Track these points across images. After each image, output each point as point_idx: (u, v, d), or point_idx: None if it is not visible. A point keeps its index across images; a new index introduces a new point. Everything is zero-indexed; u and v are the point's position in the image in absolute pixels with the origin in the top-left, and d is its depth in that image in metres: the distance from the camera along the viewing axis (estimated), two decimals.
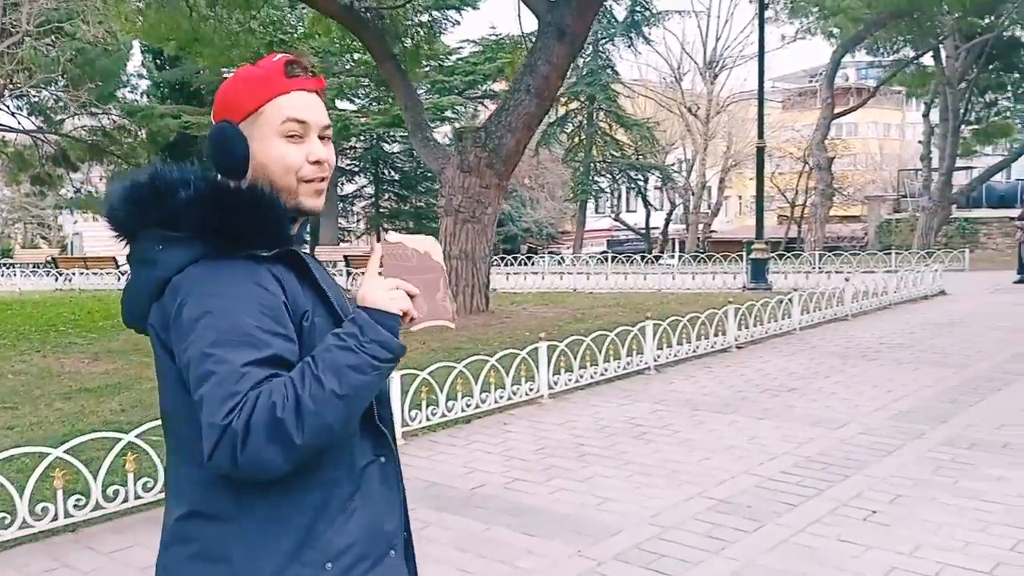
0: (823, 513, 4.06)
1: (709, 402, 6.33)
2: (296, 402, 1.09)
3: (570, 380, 6.70)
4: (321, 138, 1.29)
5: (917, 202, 24.74)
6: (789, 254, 18.77)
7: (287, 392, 1.09)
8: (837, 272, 13.63)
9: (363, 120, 22.88)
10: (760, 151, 14.05)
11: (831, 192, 22.35)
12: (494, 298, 13.01)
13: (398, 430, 5.29)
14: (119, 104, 31.48)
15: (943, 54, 22.67)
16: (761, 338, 8.87)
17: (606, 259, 21.86)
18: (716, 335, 8.32)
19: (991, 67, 25.01)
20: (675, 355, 7.75)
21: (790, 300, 9.36)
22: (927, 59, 24.37)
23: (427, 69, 24.65)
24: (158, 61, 32.15)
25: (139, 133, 32.91)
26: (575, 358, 6.75)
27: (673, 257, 24.17)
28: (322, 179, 1.29)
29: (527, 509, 4.17)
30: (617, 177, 29.82)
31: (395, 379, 5.24)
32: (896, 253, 17.76)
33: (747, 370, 7.49)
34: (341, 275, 17.79)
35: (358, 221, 34.15)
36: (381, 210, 31.28)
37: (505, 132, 10.91)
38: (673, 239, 34.99)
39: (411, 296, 1.22)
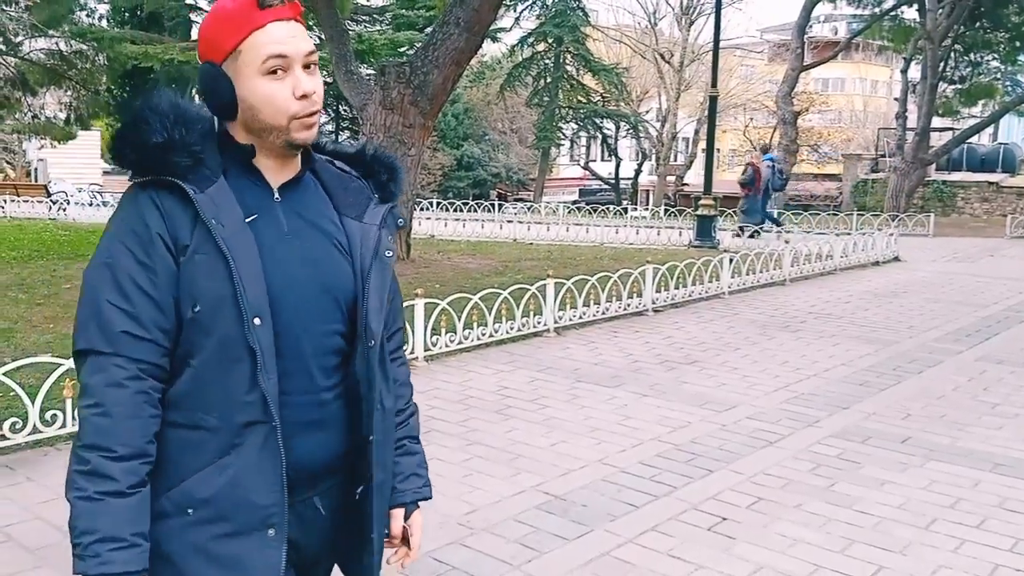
0: (665, 518, 3.45)
1: (597, 373, 5.69)
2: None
3: (452, 341, 6.03)
4: (306, 67, 1.23)
5: (890, 162, 24.01)
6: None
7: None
8: (788, 232, 12.97)
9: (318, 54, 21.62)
10: (712, 100, 13.20)
11: (795, 148, 21.50)
12: (428, 245, 12.29)
13: None
14: (72, 27, 30.09)
15: (927, 7, 21.66)
16: (683, 301, 8.21)
17: (566, 208, 21.09)
18: (632, 297, 7.65)
19: (978, 24, 24.03)
20: (580, 317, 7.09)
21: (719, 262, 8.68)
22: (912, 13, 23.35)
23: (389, 2, 23.43)
24: None
25: (97, 58, 31.63)
26: (459, 318, 6.06)
27: (636, 209, 23.40)
28: (312, 113, 1.24)
29: None
30: (584, 124, 28.80)
31: None
32: (859, 215, 17.08)
33: (655, 337, 6.85)
34: None
35: None
36: None
37: (432, 68, 10.01)
38: (648, 191, 34.16)
39: None
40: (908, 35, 23.59)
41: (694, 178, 35.19)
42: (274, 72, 1.22)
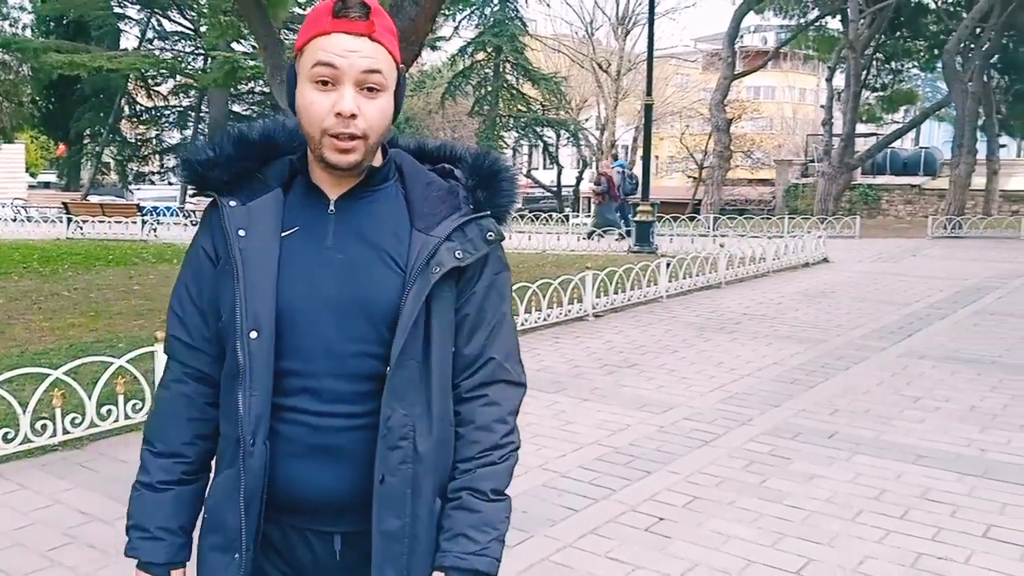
0: (604, 521, 3.50)
1: (539, 379, 5.73)
2: None
3: None
4: (368, 88, 1.18)
5: (818, 167, 24.85)
6: (684, 216, 18.47)
7: None
8: (723, 236, 13.32)
9: (253, 63, 21.28)
10: (648, 108, 13.51)
11: (729, 154, 22.13)
12: None
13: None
14: None
15: (849, 17, 22.53)
16: (623, 306, 8.35)
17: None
18: (573, 303, 7.75)
19: (898, 34, 25.09)
20: (522, 324, 7.13)
21: (657, 267, 8.86)
22: (835, 23, 24.24)
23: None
24: None
25: (21, 69, 30.55)
26: None
27: (578, 216, 23.66)
28: (350, 136, 1.17)
29: None
30: (525, 132, 29.10)
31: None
32: (790, 218, 17.62)
33: (596, 342, 6.95)
34: None
35: None
36: None
37: None
38: (589, 198, 34.51)
39: None
40: (832, 45, 24.51)
41: None
42: (324, 83, 1.17)
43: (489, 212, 1.28)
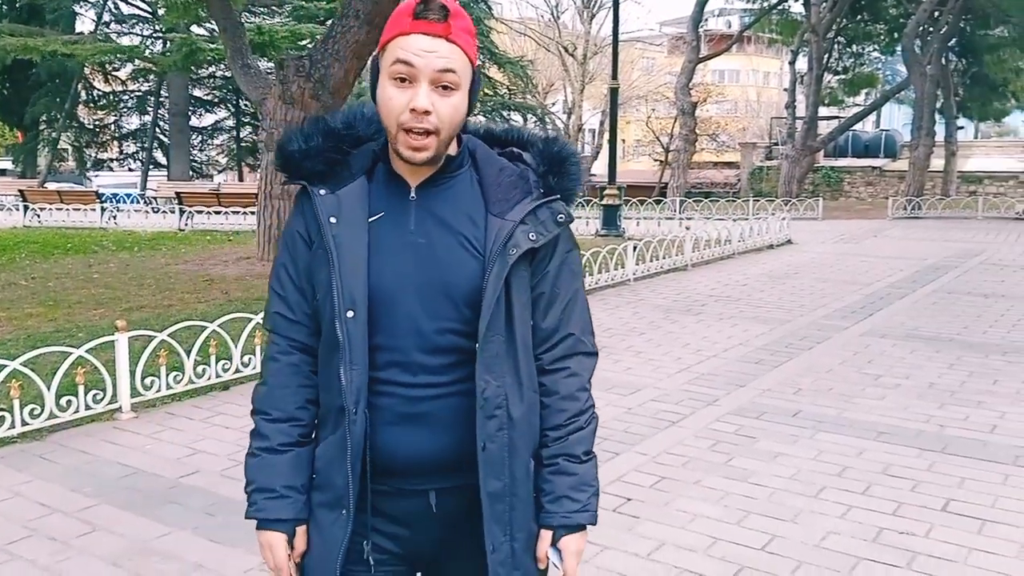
0: None
1: None
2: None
3: None
4: (443, 87, 1.25)
5: (781, 150, 25.13)
6: (650, 199, 18.57)
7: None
8: (689, 219, 13.43)
9: (213, 46, 20.83)
10: (613, 92, 13.51)
11: (694, 137, 22.30)
12: None
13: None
14: None
15: (811, 1, 22.73)
16: (590, 289, 8.37)
17: None
18: None
19: (859, 17, 25.39)
20: None
21: (624, 250, 8.90)
22: (798, 7, 24.44)
23: None
24: None
25: None
26: None
27: None
28: (424, 132, 1.25)
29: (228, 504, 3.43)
30: (491, 117, 28.99)
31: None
32: (755, 200, 17.81)
33: None
34: (174, 213, 16.31)
35: (219, 155, 31.92)
36: (243, 144, 29.23)
37: (332, 61, 9.84)
38: None
39: None
40: (795, 28, 24.72)
41: (601, 168, 35.84)
42: (402, 80, 1.25)
43: (559, 196, 1.37)
